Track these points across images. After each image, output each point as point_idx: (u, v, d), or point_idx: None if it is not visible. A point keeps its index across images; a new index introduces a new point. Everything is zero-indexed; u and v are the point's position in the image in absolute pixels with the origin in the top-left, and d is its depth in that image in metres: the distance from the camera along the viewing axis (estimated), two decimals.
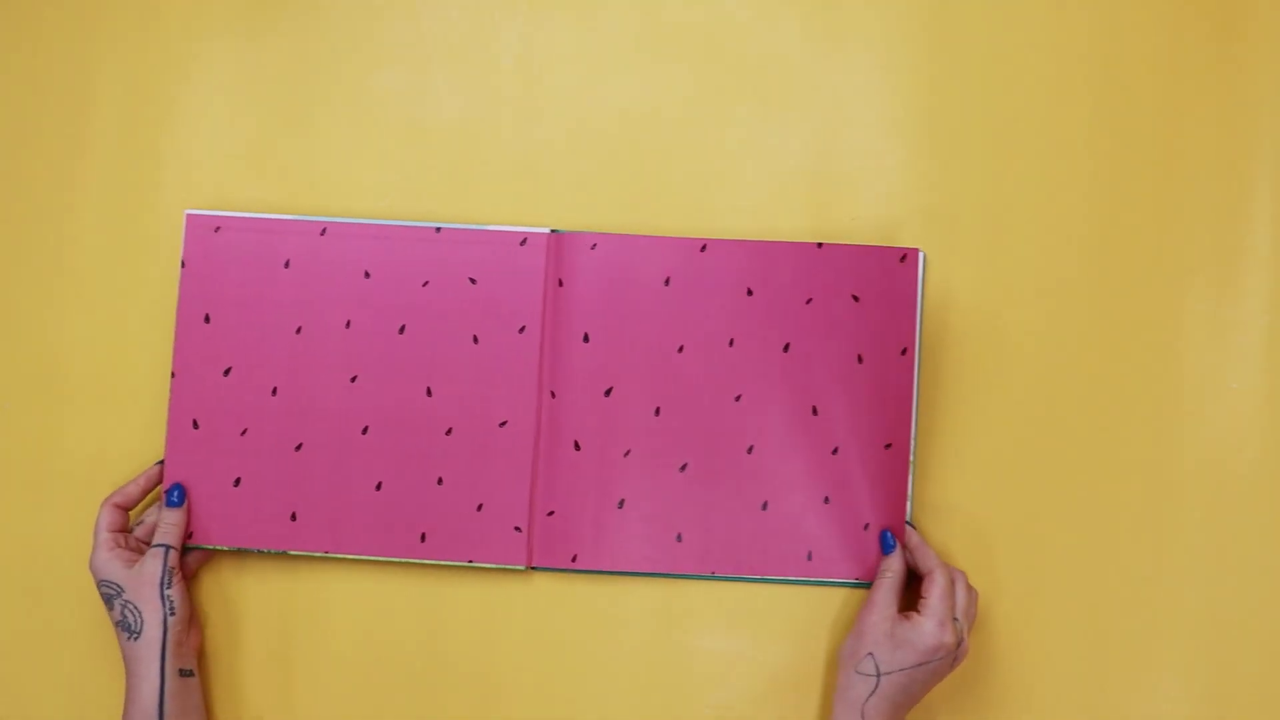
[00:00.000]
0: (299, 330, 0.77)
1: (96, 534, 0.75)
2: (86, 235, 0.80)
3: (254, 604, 0.78)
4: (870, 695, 0.71)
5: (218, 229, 0.78)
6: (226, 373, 0.77)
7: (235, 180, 0.80)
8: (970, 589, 0.74)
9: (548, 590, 0.78)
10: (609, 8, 0.81)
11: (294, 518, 0.77)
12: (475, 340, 0.77)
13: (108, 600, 0.74)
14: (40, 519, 0.79)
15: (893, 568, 0.75)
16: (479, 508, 0.77)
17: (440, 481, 0.77)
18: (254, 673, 0.78)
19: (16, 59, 0.81)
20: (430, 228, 0.78)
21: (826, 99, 0.80)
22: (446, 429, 0.77)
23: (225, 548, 0.77)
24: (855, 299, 0.76)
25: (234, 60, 0.81)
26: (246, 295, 0.78)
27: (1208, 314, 0.79)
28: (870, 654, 0.72)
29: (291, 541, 0.77)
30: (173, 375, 0.77)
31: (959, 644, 0.72)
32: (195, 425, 0.77)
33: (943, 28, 0.80)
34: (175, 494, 0.76)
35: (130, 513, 0.77)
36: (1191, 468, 0.78)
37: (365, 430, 0.77)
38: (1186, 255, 0.79)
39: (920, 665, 0.71)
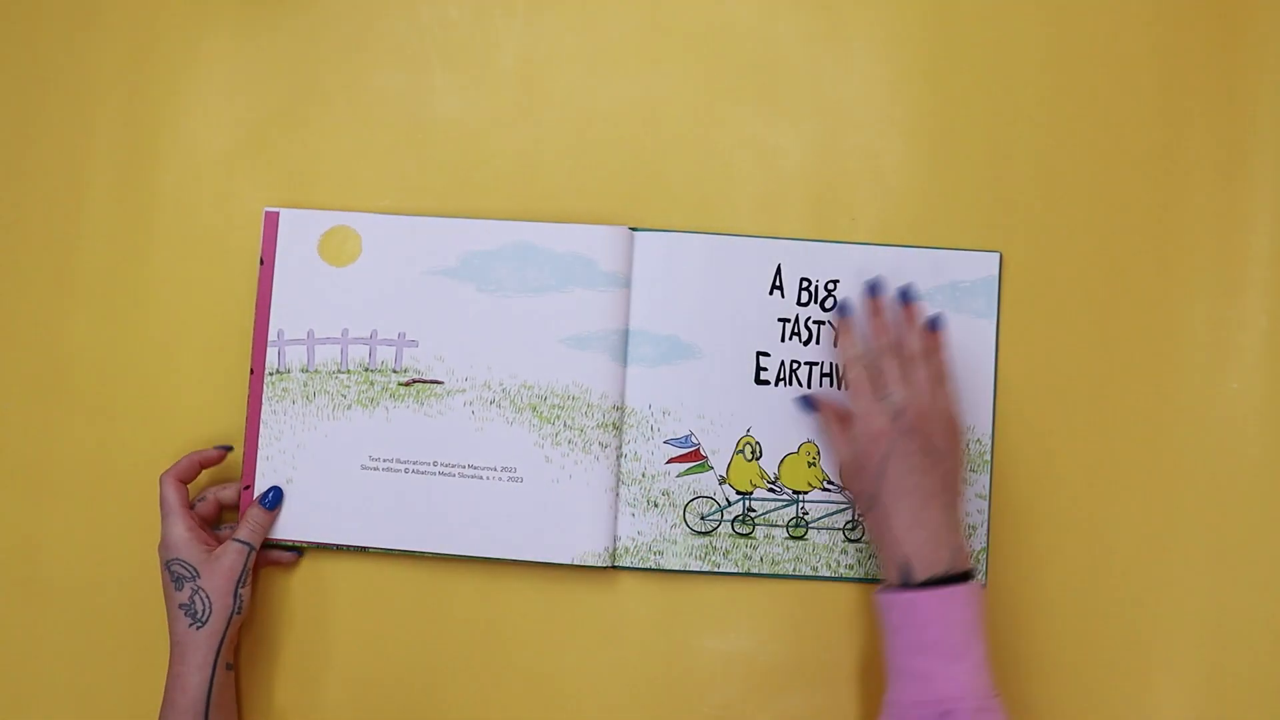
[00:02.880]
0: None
1: (169, 511, 0.73)
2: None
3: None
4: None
5: None
6: None
7: (235, 179, 0.80)
8: None
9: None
10: (609, 8, 0.81)
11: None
12: None
13: (178, 581, 0.72)
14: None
15: None
16: None
17: None
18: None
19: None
20: (528, 226, 0.78)
21: (826, 99, 0.81)
22: None
23: (313, 541, 0.77)
24: None
25: (234, 59, 0.80)
26: None
27: (1208, 314, 0.80)
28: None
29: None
30: (251, 373, 0.78)
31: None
32: None
33: (943, 28, 0.80)
34: (271, 496, 0.76)
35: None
36: (1191, 468, 0.79)
37: None
38: (1186, 256, 0.80)
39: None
